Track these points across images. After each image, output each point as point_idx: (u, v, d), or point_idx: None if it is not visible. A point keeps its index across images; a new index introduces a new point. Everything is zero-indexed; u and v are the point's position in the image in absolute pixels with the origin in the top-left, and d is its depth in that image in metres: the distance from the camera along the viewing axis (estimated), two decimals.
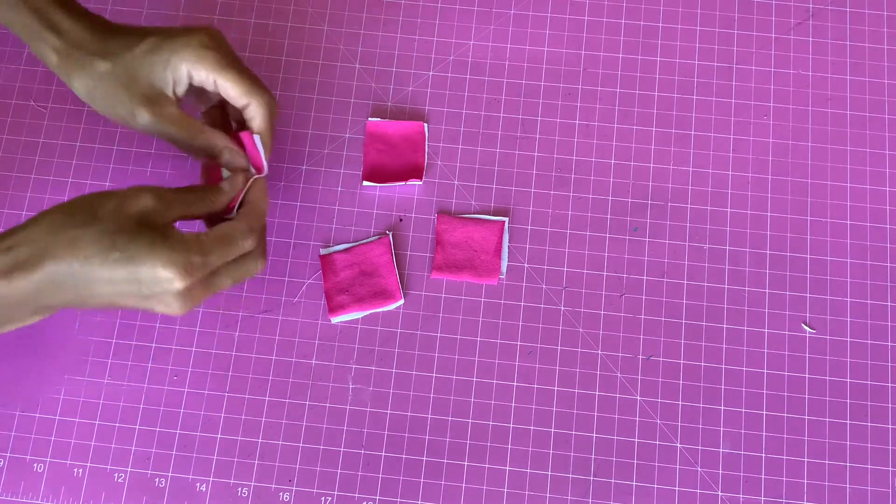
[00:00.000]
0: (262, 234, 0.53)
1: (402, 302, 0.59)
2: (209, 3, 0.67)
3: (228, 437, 0.57)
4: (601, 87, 0.64)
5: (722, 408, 0.57)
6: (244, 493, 0.56)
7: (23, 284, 0.47)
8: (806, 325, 0.59)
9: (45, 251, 0.47)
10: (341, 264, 0.60)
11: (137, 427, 0.58)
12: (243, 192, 0.54)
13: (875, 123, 0.63)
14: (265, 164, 0.55)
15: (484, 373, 0.58)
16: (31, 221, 0.48)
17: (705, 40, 0.65)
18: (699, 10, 0.66)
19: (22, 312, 0.49)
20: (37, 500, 0.56)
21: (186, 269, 0.48)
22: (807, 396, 0.58)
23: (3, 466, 0.57)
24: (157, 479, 0.57)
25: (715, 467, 0.56)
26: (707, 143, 0.63)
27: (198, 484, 0.57)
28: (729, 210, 0.61)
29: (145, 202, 0.48)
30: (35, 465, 0.57)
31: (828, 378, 0.58)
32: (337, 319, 0.59)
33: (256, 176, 0.55)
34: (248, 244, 0.51)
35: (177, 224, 0.51)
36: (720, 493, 0.56)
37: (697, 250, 0.61)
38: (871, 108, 0.64)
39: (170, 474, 0.57)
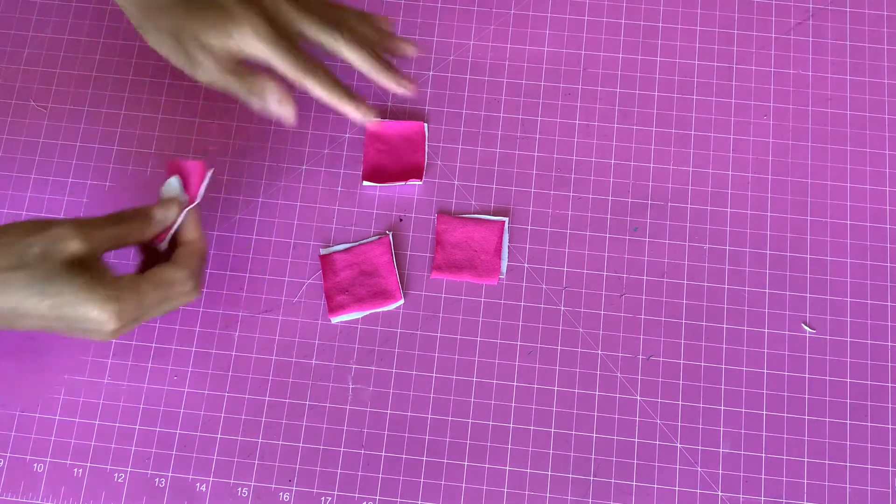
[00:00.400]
0: (199, 270, 0.54)
1: (401, 302, 0.59)
2: None
3: (228, 437, 0.57)
4: (601, 87, 0.64)
5: (722, 408, 0.57)
6: (244, 493, 0.56)
7: None
8: (806, 325, 0.59)
9: None
10: (341, 264, 0.60)
11: (137, 427, 0.58)
12: (176, 223, 0.54)
13: (875, 123, 0.63)
14: (200, 196, 0.56)
15: (484, 373, 0.58)
16: None
17: (705, 40, 0.65)
18: (699, 10, 0.66)
19: None
20: (37, 500, 0.56)
21: (119, 314, 0.49)
22: (807, 396, 0.58)
23: (3, 466, 0.57)
24: (157, 479, 0.57)
25: (715, 467, 0.56)
26: (707, 143, 0.63)
27: (198, 484, 0.57)
28: (729, 210, 0.61)
29: (72, 246, 0.48)
30: (35, 465, 0.57)
31: (828, 378, 0.58)
32: (337, 319, 0.59)
33: (189, 207, 0.55)
34: (186, 287, 0.52)
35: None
36: (720, 493, 0.56)
37: (697, 250, 0.61)
38: (871, 108, 0.64)
39: (170, 474, 0.57)
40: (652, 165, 0.63)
